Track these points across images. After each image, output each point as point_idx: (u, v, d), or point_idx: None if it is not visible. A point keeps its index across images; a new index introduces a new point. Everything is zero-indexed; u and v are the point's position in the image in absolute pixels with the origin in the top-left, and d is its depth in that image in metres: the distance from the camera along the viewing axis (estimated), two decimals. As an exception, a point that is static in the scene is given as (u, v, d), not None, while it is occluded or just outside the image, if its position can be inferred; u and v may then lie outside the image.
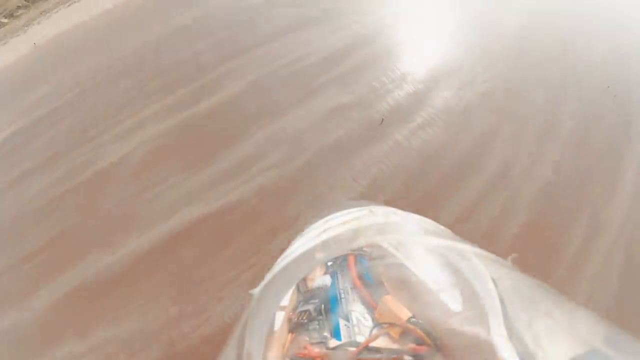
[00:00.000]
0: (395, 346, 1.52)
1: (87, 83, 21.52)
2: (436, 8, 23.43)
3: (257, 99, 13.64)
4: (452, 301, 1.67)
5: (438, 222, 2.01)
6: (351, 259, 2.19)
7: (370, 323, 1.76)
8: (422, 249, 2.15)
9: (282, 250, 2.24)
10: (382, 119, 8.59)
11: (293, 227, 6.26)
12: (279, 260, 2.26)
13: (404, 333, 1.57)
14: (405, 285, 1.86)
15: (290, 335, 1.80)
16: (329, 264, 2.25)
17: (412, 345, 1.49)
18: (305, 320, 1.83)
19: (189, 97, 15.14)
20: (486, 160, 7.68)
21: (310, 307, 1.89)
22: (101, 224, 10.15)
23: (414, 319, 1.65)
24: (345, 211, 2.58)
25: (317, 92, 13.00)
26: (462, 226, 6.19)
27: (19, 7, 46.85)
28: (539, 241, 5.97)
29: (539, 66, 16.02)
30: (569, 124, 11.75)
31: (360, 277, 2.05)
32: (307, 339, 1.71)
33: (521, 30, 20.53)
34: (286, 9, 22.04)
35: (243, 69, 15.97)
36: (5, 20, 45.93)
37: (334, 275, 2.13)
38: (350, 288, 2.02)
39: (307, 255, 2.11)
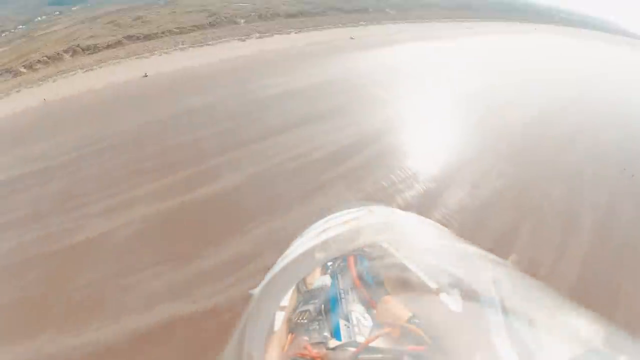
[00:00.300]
0: (395, 346, 1.46)
1: (86, 149, 21.21)
2: (444, 106, 25.19)
3: (256, 193, 13.47)
4: (452, 301, 1.60)
5: None
6: (351, 259, 2.10)
7: (370, 323, 1.68)
8: (422, 249, 2.10)
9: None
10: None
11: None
12: (279, 260, 2.24)
13: (404, 333, 1.50)
14: (405, 285, 1.79)
15: (290, 335, 1.71)
16: (329, 264, 2.18)
17: (412, 346, 1.43)
18: (305, 320, 1.76)
19: (185, 183, 15.17)
20: (509, 261, 7.52)
21: (310, 307, 1.82)
22: (66, 301, 9.07)
23: (414, 319, 1.59)
24: (345, 211, 2.62)
25: (323, 188, 13.12)
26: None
27: (39, 62, 48.82)
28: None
29: (551, 159, 16.17)
30: (591, 214, 11.70)
31: (360, 277, 1.98)
32: (307, 339, 1.63)
33: (530, 126, 21.17)
34: (293, 105, 23.50)
35: (245, 160, 16.31)
36: (24, 70, 47.52)
37: (334, 275, 2.06)
38: (350, 288, 1.94)
39: (307, 255, 2.13)
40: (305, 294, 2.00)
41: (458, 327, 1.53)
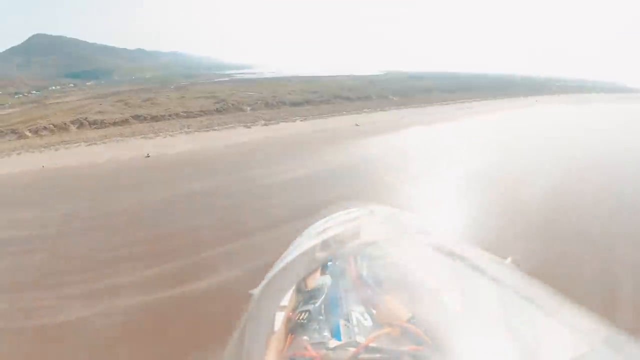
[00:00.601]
0: (395, 346, 1.43)
1: (76, 224, 20.55)
2: (454, 188, 24.15)
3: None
4: (452, 301, 1.59)
5: None
6: (351, 259, 2.11)
7: (370, 323, 1.66)
8: (422, 249, 2.12)
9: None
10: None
11: None
12: (279, 260, 2.30)
13: (404, 333, 1.49)
14: (405, 285, 1.80)
15: (290, 335, 1.69)
16: (329, 264, 2.17)
17: (412, 346, 1.40)
18: (305, 320, 1.75)
19: (176, 275, 14.26)
20: None
21: (310, 307, 1.82)
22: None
23: (414, 319, 1.58)
24: (345, 211, 2.67)
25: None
26: None
27: (45, 128, 49.90)
28: None
29: (575, 229, 15.69)
30: (631, 282, 11.35)
31: (360, 277, 1.98)
32: (307, 338, 1.62)
33: (548, 197, 20.21)
34: (298, 193, 22.74)
35: (243, 254, 15.40)
36: (29, 134, 48.32)
37: (334, 275, 2.05)
38: (350, 288, 1.93)
39: (307, 255, 2.20)
40: (305, 294, 2.02)
41: (458, 326, 1.50)
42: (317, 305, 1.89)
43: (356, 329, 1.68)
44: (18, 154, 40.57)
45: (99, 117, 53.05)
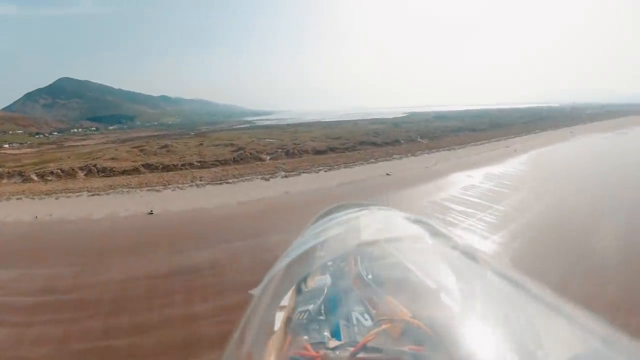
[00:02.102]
0: (394, 346, 1.39)
1: (52, 296, 17.88)
2: (515, 243, 22.17)
3: None
4: (452, 301, 1.56)
5: None
6: (351, 259, 2.07)
7: (370, 323, 1.60)
8: (422, 249, 2.09)
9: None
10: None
11: None
12: (279, 260, 2.23)
13: (404, 333, 1.44)
14: (406, 285, 1.77)
15: (290, 335, 1.64)
16: (329, 264, 2.12)
17: (412, 345, 1.37)
18: (305, 320, 1.70)
19: None
20: None
21: (310, 307, 1.76)
22: None
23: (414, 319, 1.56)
24: (345, 211, 2.72)
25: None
26: None
27: (52, 173, 47.15)
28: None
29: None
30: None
31: (360, 277, 1.92)
32: (307, 338, 1.57)
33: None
34: None
35: None
36: (35, 178, 45.58)
37: (334, 275, 2.01)
38: (350, 288, 1.88)
39: (307, 255, 2.18)
40: (305, 294, 1.92)
41: (458, 326, 1.44)
42: (317, 305, 1.76)
43: (356, 329, 1.59)
44: (18, 198, 38.55)
45: (109, 164, 50.94)
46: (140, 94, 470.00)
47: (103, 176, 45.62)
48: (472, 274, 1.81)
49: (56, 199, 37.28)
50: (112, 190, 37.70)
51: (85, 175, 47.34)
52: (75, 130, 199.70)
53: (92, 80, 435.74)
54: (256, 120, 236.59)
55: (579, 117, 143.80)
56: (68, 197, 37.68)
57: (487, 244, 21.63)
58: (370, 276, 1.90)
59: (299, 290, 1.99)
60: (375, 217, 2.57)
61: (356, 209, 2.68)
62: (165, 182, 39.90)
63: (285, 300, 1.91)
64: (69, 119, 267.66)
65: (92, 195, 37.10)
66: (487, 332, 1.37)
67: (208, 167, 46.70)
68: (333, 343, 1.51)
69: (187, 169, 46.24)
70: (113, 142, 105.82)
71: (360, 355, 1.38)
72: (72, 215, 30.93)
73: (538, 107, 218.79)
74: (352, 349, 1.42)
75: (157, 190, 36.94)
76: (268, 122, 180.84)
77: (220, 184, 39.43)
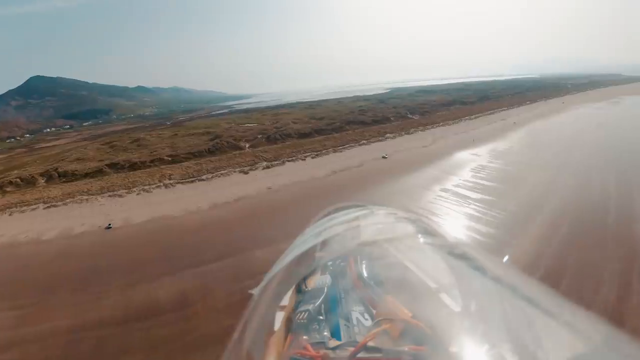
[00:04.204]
0: (394, 346, 1.41)
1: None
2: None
3: None
4: (452, 301, 1.58)
5: None
6: (351, 259, 2.09)
7: (370, 323, 1.63)
8: (421, 249, 2.06)
9: None
10: None
11: None
12: (279, 260, 2.23)
13: (404, 333, 1.46)
14: (405, 285, 1.78)
15: (290, 335, 1.68)
16: (329, 264, 2.16)
17: (412, 345, 1.39)
18: (305, 320, 1.73)
19: None
20: None
21: (310, 307, 1.79)
22: None
23: (414, 319, 1.58)
24: (345, 211, 2.73)
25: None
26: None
27: (11, 183, 41.85)
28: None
29: None
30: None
31: (360, 277, 1.95)
32: (307, 338, 1.59)
33: None
34: None
35: None
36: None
37: (334, 275, 2.04)
38: (350, 288, 1.91)
39: (307, 255, 2.18)
40: (305, 294, 1.97)
41: (457, 326, 1.49)
42: (317, 305, 1.80)
43: (356, 329, 1.63)
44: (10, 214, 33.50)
45: (73, 166, 45.93)
46: (116, 86, 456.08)
47: (64, 181, 40.74)
48: (472, 274, 1.79)
49: (10, 214, 32.70)
50: (69, 200, 32.98)
51: (46, 182, 42.50)
52: (49, 129, 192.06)
53: (65, 77, 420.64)
54: (235, 104, 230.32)
55: (564, 87, 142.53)
56: (22, 211, 33.10)
57: (523, 248, 18.52)
58: (370, 276, 1.90)
59: (299, 290, 2.00)
60: (375, 218, 2.58)
61: (356, 209, 2.68)
62: (130, 184, 35.10)
63: (285, 300, 1.95)
64: (43, 118, 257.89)
65: (48, 207, 32.49)
66: (487, 332, 1.37)
67: (180, 162, 41.72)
68: (333, 343, 1.52)
69: (156, 165, 41.19)
70: (85, 140, 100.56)
71: (361, 355, 1.38)
72: (22, 235, 26.53)
73: (521, 79, 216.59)
74: (352, 348, 1.42)
75: (120, 196, 32.22)
76: (248, 106, 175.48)
77: (193, 181, 34.75)
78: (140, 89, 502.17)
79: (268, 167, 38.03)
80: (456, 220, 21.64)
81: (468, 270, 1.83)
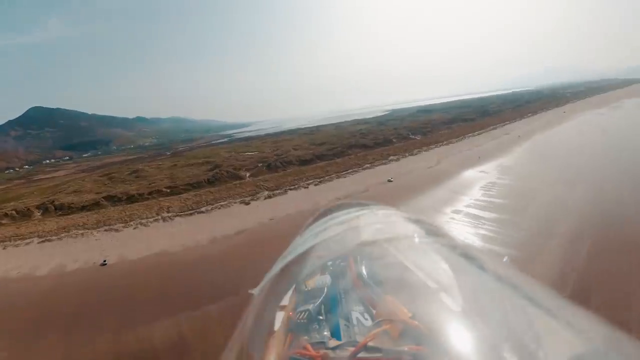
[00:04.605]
0: (394, 346, 1.40)
1: None
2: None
3: None
4: (452, 301, 1.57)
5: None
6: (351, 259, 2.07)
7: (370, 323, 1.62)
8: (421, 249, 2.06)
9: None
10: None
11: None
12: (279, 260, 2.23)
13: (403, 333, 1.44)
14: (405, 285, 1.79)
15: (290, 335, 1.66)
16: (329, 263, 2.14)
17: (411, 345, 1.38)
18: (305, 320, 1.72)
19: None
20: None
21: (310, 307, 1.77)
22: None
23: (413, 319, 1.55)
24: (345, 210, 2.72)
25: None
26: None
27: (6, 215, 41.39)
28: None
29: None
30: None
31: (360, 277, 1.93)
32: (307, 338, 1.58)
33: None
34: None
35: None
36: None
37: (334, 275, 2.02)
38: (350, 288, 1.89)
39: (307, 255, 2.18)
40: (305, 294, 1.94)
41: (457, 326, 1.45)
42: (317, 304, 1.78)
43: (356, 329, 1.61)
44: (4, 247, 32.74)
45: (70, 199, 45.27)
46: (115, 117, 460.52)
47: (60, 214, 39.89)
48: (472, 274, 1.80)
49: (3, 248, 31.80)
50: (65, 234, 32.04)
51: (42, 214, 41.68)
52: (48, 161, 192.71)
53: (65, 108, 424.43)
54: (235, 133, 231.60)
55: (563, 97, 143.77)
56: (17, 245, 32.19)
57: (546, 266, 17.88)
58: (370, 276, 1.88)
59: (299, 290, 1.98)
60: (375, 217, 2.59)
61: (356, 209, 2.69)
62: (127, 217, 34.28)
63: (285, 300, 1.92)
64: (42, 149, 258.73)
65: (43, 241, 31.58)
66: (487, 332, 1.37)
67: (179, 193, 40.90)
68: (333, 343, 1.51)
69: (154, 197, 40.43)
70: (83, 171, 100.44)
71: (361, 355, 1.37)
72: (15, 270, 25.61)
73: (517, 92, 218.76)
74: (352, 348, 1.41)
75: (117, 230, 31.26)
76: (248, 134, 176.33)
77: (191, 214, 33.74)
78: (139, 119, 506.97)
79: (269, 197, 36.94)
80: (471, 243, 20.67)
81: (468, 270, 1.83)
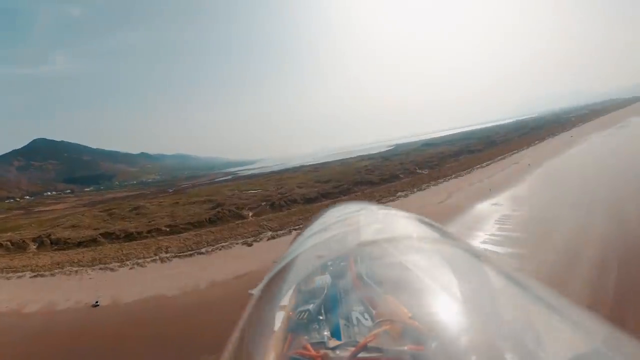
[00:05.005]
0: (394, 346, 1.41)
1: None
2: None
3: None
4: (452, 301, 1.58)
5: None
6: (351, 259, 2.07)
7: (370, 323, 1.63)
8: (421, 249, 2.06)
9: None
10: None
11: None
12: (279, 260, 2.32)
13: (404, 333, 1.46)
14: (405, 285, 1.77)
15: (290, 335, 1.67)
16: (329, 263, 2.14)
17: (412, 345, 1.39)
18: (305, 320, 1.73)
19: None
20: None
21: (310, 307, 1.79)
22: None
23: (414, 319, 1.58)
24: (345, 210, 2.90)
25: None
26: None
27: (1, 246, 40.73)
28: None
29: None
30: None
31: (360, 277, 1.94)
32: (307, 338, 1.60)
33: None
34: None
35: None
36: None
37: (334, 275, 2.02)
38: (350, 288, 1.91)
39: (307, 255, 2.23)
40: (305, 294, 1.96)
41: (458, 326, 1.45)
42: (317, 305, 1.81)
43: (356, 329, 1.63)
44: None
45: (67, 233, 44.52)
46: (119, 152, 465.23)
47: (56, 249, 39.01)
48: (472, 274, 1.79)
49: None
50: (58, 270, 31.05)
51: (37, 247, 40.78)
52: (49, 193, 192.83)
53: (69, 141, 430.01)
54: (239, 170, 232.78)
55: (568, 121, 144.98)
56: (8, 278, 31.20)
57: (577, 301, 16.64)
58: (370, 276, 1.89)
59: (299, 290, 1.98)
60: (375, 217, 2.66)
61: (356, 209, 2.84)
62: (123, 256, 33.21)
63: (285, 300, 1.92)
64: (45, 181, 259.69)
65: (35, 276, 30.61)
66: (487, 332, 1.38)
67: (179, 233, 39.94)
68: (333, 343, 1.52)
69: (153, 236, 39.58)
70: (84, 206, 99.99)
71: (361, 355, 1.38)
72: (3, 304, 24.53)
73: (521, 120, 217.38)
74: (352, 348, 1.42)
75: (112, 269, 30.19)
76: (251, 172, 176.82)
77: (191, 255, 32.49)
78: (143, 155, 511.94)
79: (273, 237, 35.53)
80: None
81: (468, 270, 1.81)
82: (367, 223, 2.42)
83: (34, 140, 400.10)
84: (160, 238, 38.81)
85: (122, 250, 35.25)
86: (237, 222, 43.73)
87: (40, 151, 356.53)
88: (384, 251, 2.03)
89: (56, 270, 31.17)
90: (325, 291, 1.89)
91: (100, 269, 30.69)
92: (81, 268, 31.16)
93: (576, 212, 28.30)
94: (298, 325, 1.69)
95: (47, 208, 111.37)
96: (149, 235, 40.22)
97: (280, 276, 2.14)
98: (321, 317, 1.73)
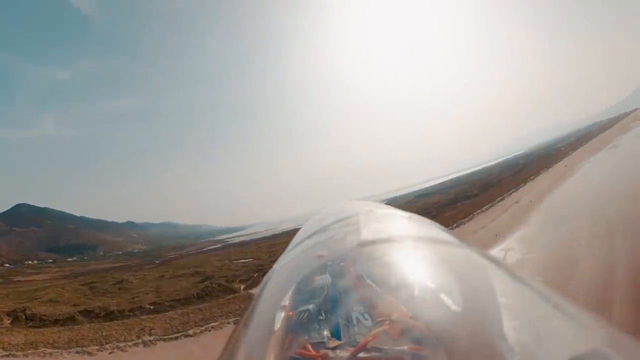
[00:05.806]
0: (394, 346, 1.40)
1: None
2: None
3: None
4: (452, 301, 1.56)
5: None
6: (351, 258, 2.09)
7: (370, 323, 1.62)
8: (421, 248, 2.05)
9: None
10: None
11: None
12: (279, 260, 2.32)
13: (403, 333, 1.44)
14: (405, 285, 1.76)
15: (290, 335, 1.65)
16: (329, 263, 2.14)
17: (411, 345, 1.39)
18: (305, 320, 1.72)
19: None
20: None
21: (310, 307, 1.78)
22: None
23: (414, 319, 1.59)
24: (345, 210, 2.86)
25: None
26: None
27: None
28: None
29: None
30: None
31: (360, 277, 1.94)
32: (307, 338, 1.58)
33: None
34: None
35: None
36: None
37: (333, 275, 2.02)
38: (350, 288, 1.90)
39: (307, 255, 2.23)
40: (305, 294, 1.94)
41: (458, 326, 1.45)
42: (317, 305, 1.79)
43: (356, 329, 1.61)
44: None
45: (44, 309, 41.98)
46: (104, 221, 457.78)
47: (31, 326, 36.53)
48: (472, 273, 1.81)
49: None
50: (32, 351, 28.81)
51: (11, 323, 38.37)
52: (30, 262, 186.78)
53: (52, 208, 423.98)
54: (229, 238, 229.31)
55: (559, 151, 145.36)
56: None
57: None
58: (370, 276, 1.88)
59: (299, 290, 1.97)
60: (375, 217, 2.61)
61: (356, 208, 2.78)
62: (102, 338, 30.86)
63: (285, 300, 1.90)
64: (25, 248, 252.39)
65: (7, 355, 28.30)
66: (487, 332, 1.39)
67: (164, 311, 37.33)
68: (333, 343, 1.51)
69: (136, 315, 36.91)
70: (65, 277, 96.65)
71: (361, 355, 1.38)
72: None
73: (510, 159, 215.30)
74: (352, 348, 1.42)
75: (90, 353, 27.85)
76: (241, 239, 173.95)
77: (177, 337, 30.24)
78: (129, 224, 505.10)
79: None
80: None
81: (468, 269, 1.84)
82: (368, 222, 2.41)
83: (17, 205, 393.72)
84: (143, 317, 36.32)
85: (101, 331, 32.74)
86: (227, 297, 41.68)
87: (22, 217, 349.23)
88: (384, 251, 2.04)
89: (29, 351, 28.98)
90: (325, 291, 1.87)
91: (77, 352, 28.43)
92: (56, 350, 28.90)
93: (593, 243, 26.76)
94: (298, 325, 1.66)
95: (27, 278, 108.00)
96: (131, 313, 37.60)
97: (280, 276, 2.13)
98: (321, 317, 1.69)
